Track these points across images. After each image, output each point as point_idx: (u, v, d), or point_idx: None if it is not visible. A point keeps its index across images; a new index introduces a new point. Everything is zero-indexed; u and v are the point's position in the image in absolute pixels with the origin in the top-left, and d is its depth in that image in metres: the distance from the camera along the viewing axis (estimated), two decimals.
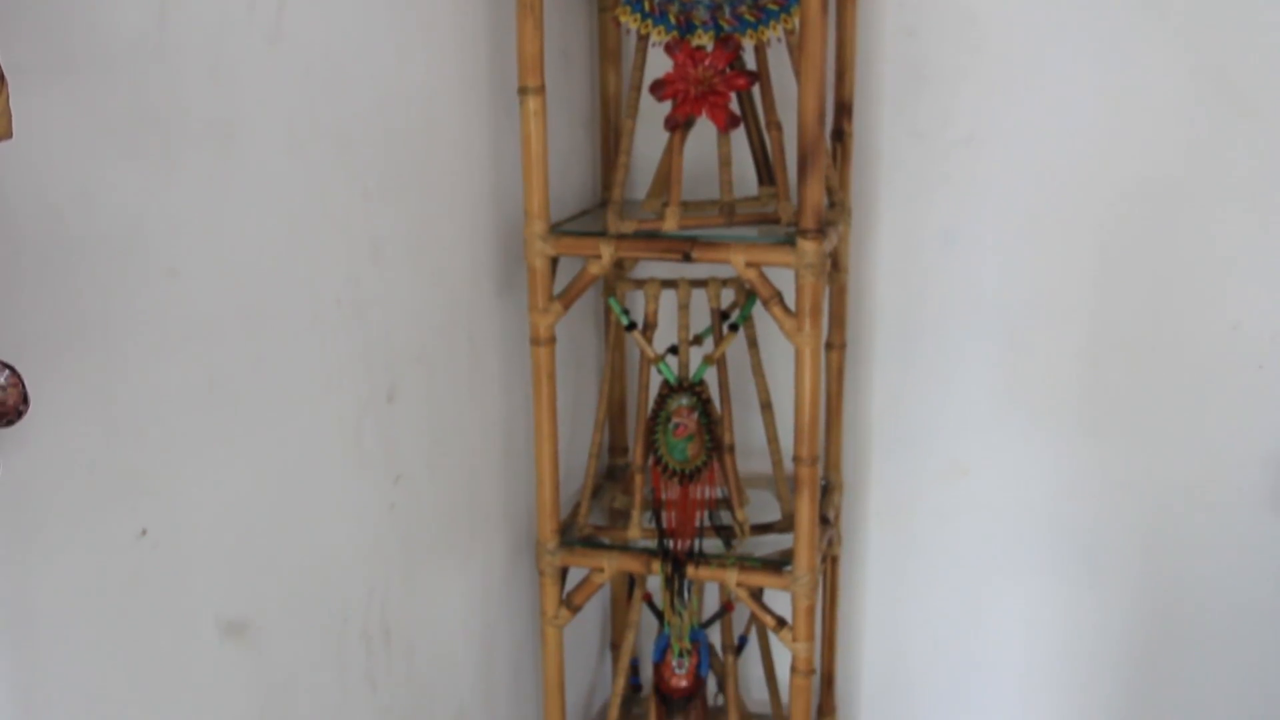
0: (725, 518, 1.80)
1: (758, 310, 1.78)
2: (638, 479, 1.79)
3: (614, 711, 1.91)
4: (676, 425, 1.73)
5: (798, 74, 1.54)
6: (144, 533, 1.06)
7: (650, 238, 1.63)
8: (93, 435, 0.99)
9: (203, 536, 1.14)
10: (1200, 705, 2.08)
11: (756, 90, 1.67)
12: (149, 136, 1.02)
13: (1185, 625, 2.05)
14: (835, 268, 1.89)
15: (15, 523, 0.92)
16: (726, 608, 1.90)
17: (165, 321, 1.06)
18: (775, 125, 1.66)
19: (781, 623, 1.73)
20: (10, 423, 0.80)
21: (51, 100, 0.91)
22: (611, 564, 1.76)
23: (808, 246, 1.55)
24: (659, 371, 1.75)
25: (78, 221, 0.95)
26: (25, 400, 0.80)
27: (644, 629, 2.14)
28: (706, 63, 1.61)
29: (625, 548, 1.78)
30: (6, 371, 0.78)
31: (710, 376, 1.77)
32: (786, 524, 1.80)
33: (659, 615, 1.83)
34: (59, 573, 0.97)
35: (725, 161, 1.65)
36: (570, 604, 1.80)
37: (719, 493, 1.78)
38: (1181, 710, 2.09)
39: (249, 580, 1.21)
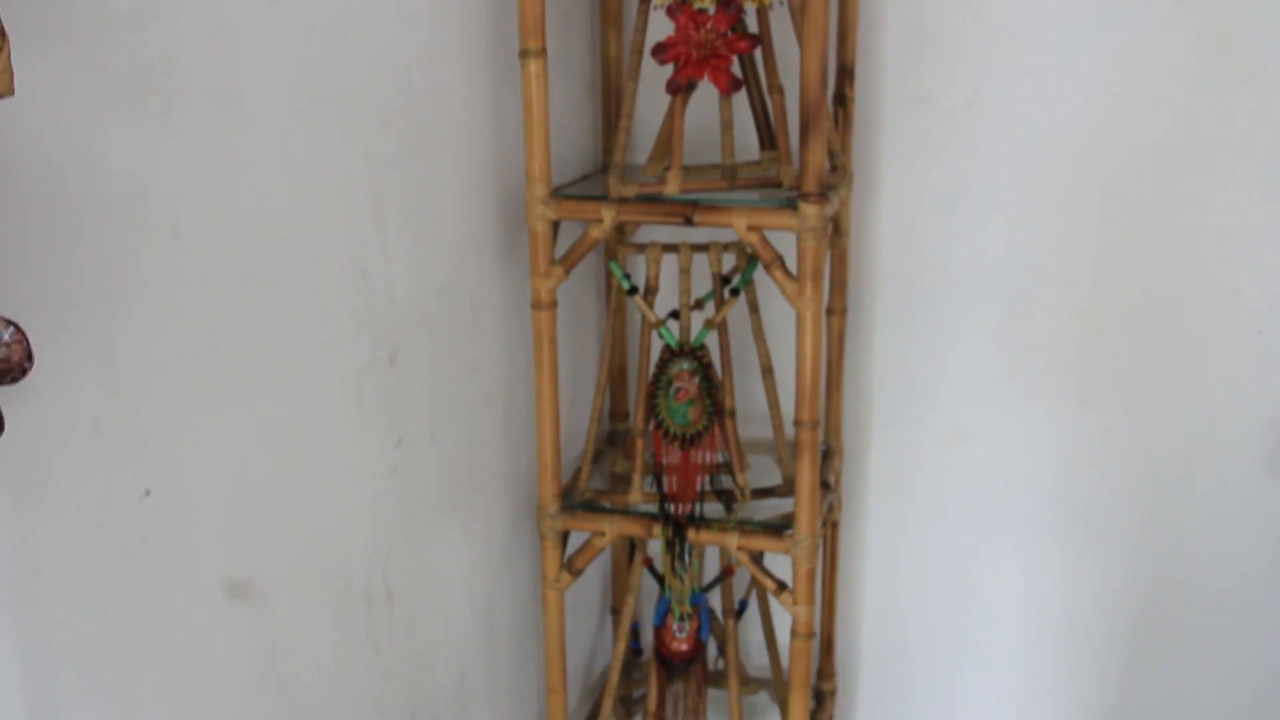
0: (726, 482, 1.80)
1: (759, 275, 1.78)
2: (639, 443, 1.79)
3: (614, 675, 1.92)
4: (678, 390, 1.74)
5: (800, 37, 1.53)
6: (147, 493, 1.06)
7: (652, 201, 1.63)
8: (96, 394, 0.99)
9: (206, 497, 1.14)
10: (1198, 670, 2.09)
11: (758, 53, 1.66)
12: (150, 96, 1.02)
13: (1183, 590, 2.06)
14: (837, 232, 1.89)
15: (20, 481, 0.92)
16: (727, 572, 1.91)
17: (167, 282, 1.06)
18: (777, 89, 1.65)
19: (782, 586, 1.74)
20: (14, 380, 0.80)
21: (53, 58, 0.91)
22: (612, 528, 1.77)
23: (809, 210, 1.54)
24: (660, 336, 1.75)
25: (80, 181, 0.95)
26: (30, 357, 0.80)
27: (645, 593, 2.15)
28: (708, 26, 1.60)
29: (626, 512, 1.78)
30: (11, 328, 0.79)
31: (711, 341, 1.77)
32: (787, 488, 1.81)
33: (660, 579, 1.83)
34: (63, 531, 0.97)
35: (727, 125, 1.64)
36: (571, 568, 1.80)
37: (720, 457, 1.79)
38: (1179, 675, 2.10)
39: (252, 541, 1.22)
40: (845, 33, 1.84)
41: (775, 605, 2.03)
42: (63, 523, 0.97)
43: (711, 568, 2.01)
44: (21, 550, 0.93)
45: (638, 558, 1.88)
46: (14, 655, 0.93)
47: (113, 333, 1.00)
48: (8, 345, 0.79)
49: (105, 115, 0.97)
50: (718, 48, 1.60)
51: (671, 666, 1.86)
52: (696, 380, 1.74)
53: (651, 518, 1.76)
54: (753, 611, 2.10)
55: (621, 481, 1.87)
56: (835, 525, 2.08)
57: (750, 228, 1.58)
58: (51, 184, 0.92)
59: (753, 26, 1.65)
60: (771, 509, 1.78)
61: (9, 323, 0.79)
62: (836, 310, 1.95)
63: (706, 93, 1.66)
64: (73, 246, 0.95)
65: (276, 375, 1.23)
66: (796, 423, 1.65)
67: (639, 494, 1.79)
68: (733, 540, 1.72)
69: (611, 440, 2.07)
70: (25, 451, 0.92)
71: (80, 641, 1.00)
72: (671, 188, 1.63)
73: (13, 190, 0.88)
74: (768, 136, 1.71)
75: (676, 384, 1.74)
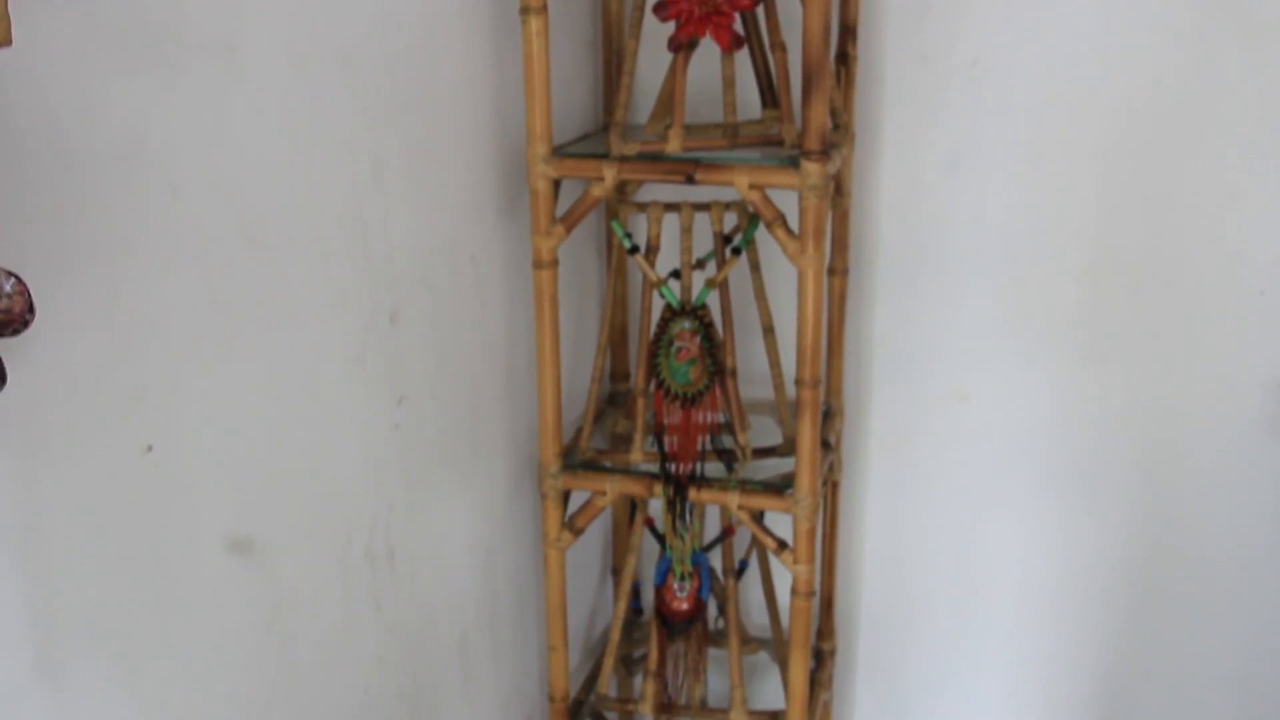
0: (727, 442, 1.81)
1: (760, 234, 1.77)
2: (640, 403, 1.79)
3: (615, 634, 1.92)
4: (679, 349, 1.74)
5: None
6: (149, 449, 1.06)
7: (653, 160, 1.63)
8: (98, 349, 0.99)
9: (207, 454, 1.14)
10: (1196, 629, 2.10)
11: (760, 10, 1.65)
12: (149, 50, 1.01)
13: (1182, 550, 2.07)
14: (838, 192, 1.89)
15: (23, 435, 0.92)
16: (727, 532, 1.91)
17: (168, 237, 1.06)
18: (779, 46, 1.65)
19: (782, 545, 1.74)
20: (16, 332, 0.80)
21: (51, 8, 0.91)
22: (613, 487, 1.77)
23: (811, 168, 1.54)
24: (661, 295, 1.75)
25: (79, 134, 0.95)
26: (31, 309, 0.80)
27: (645, 553, 2.15)
28: None
29: (627, 471, 1.79)
30: (12, 280, 0.78)
31: (712, 300, 1.77)
32: (788, 448, 1.81)
33: (660, 539, 1.84)
34: (66, 486, 0.97)
35: (729, 83, 1.64)
36: (572, 527, 1.81)
37: (721, 417, 1.79)
38: (1177, 634, 2.11)
39: (254, 498, 1.22)
40: None
41: (775, 565, 2.04)
42: (65, 476, 0.97)
43: (712, 528, 2.01)
44: (25, 504, 0.93)
45: (639, 517, 1.89)
46: (20, 609, 0.94)
47: (114, 287, 1.00)
48: (9, 297, 0.78)
49: (104, 68, 0.97)
50: (719, 4, 1.59)
51: (672, 626, 1.86)
52: (698, 340, 1.74)
53: (652, 477, 1.76)
54: (753, 571, 2.10)
55: (623, 441, 1.87)
56: (836, 485, 2.08)
57: (752, 186, 1.57)
58: (51, 136, 0.92)
59: None
60: (772, 469, 1.79)
61: (10, 274, 0.79)
62: (838, 270, 1.95)
63: (708, 50, 1.65)
64: (73, 200, 0.95)
65: (277, 333, 1.23)
66: (797, 382, 1.65)
67: (640, 453, 1.79)
68: (733, 499, 1.72)
69: (613, 400, 2.07)
70: (27, 405, 0.92)
71: (85, 596, 1.00)
72: (673, 146, 1.62)
73: (12, 142, 0.88)
74: (770, 95, 1.70)
75: (678, 343, 1.74)
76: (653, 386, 1.77)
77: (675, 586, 1.85)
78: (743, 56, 1.66)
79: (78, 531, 0.99)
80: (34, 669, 0.96)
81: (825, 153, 1.54)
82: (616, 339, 2.07)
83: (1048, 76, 1.89)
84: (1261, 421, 1.97)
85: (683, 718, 1.94)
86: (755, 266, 1.79)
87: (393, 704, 1.53)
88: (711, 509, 2.01)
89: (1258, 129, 1.84)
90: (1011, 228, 1.97)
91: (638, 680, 2.17)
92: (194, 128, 1.08)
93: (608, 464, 1.81)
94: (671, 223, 1.78)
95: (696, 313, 1.75)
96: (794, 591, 1.75)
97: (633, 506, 1.95)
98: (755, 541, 1.98)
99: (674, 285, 1.76)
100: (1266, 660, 2.08)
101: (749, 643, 2.11)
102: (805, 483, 1.68)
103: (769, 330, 1.82)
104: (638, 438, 1.79)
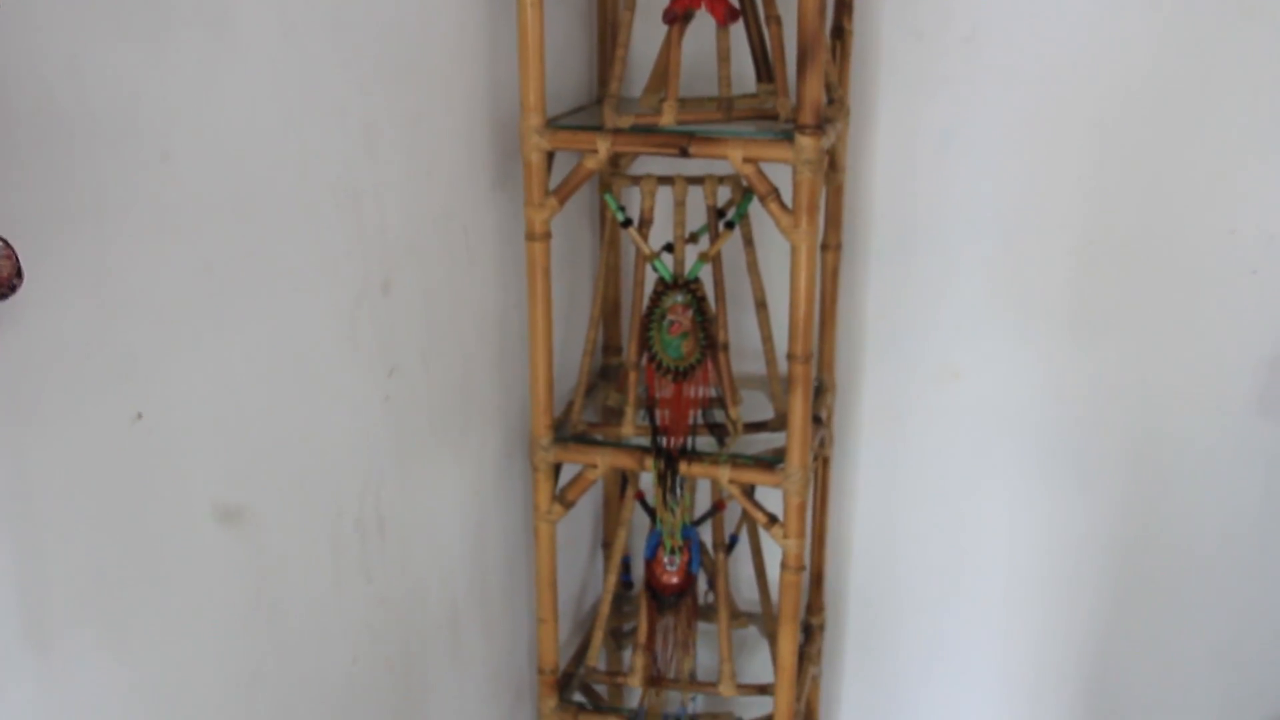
0: (718, 416, 1.81)
1: (754, 209, 1.77)
2: (631, 376, 1.79)
3: (605, 607, 1.93)
4: (671, 323, 1.73)
5: None
6: (139, 416, 1.06)
7: (647, 132, 1.62)
8: (87, 315, 0.98)
9: (197, 422, 1.14)
10: (1185, 606, 2.10)
11: None
12: (140, 15, 1.01)
13: (1172, 528, 2.07)
14: (833, 167, 1.88)
15: (11, 401, 0.92)
16: (718, 506, 1.92)
17: (159, 204, 1.05)
18: (775, 20, 1.64)
19: (773, 520, 1.74)
20: (4, 296, 0.79)
21: None
22: (604, 460, 1.77)
23: (806, 142, 1.53)
24: (654, 269, 1.74)
25: (69, 99, 0.94)
26: (19, 274, 0.79)
27: (636, 527, 2.15)
28: None
29: (618, 444, 1.78)
30: (0, 243, 0.78)
31: (705, 275, 1.77)
32: (779, 423, 1.81)
33: (651, 513, 1.84)
34: (55, 452, 0.97)
35: (724, 56, 1.63)
36: (563, 500, 1.81)
37: (712, 391, 1.79)
38: (1166, 611, 2.12)
39: (244, 467, 1.21)
40: None
41: (766, 540, 2.04)
42: (54, 443, 0.97)
43: (703, 502, 2.01)
44: (13, 470, 0.93)
45: (629, 491, 1.89)
46: (9, 577, 0.93)
47: (104, 253, 0.99)
48: None
49: (95, 33, 0.96)
50: None
51: (662, 600, 1.87)
52: (690, 314, 1.74)
53: (644, 451, 1.76)
54: (743, 546, 2.11)
55: (614, 414, 1.87)
56: (826, 461, 2.08)
57: (746, 159, 1.57)
58: (41, 101, 0.91)
59: None
60: (764, 443, 1.79)
61: None
62: (831, 246, 1.94)
63: (703, 24, 1.65)
64: (63, 165, 0.94)
65: (268, 302, 1.22)
66: (789, 356, 1.65)
67: (631, 427, 1.79)
68: (724, 473, 1.72)
69: (604, 374, 2.07)
70: (16, 370, 0.91)
71: (73, 564, 1.00)
72: (667, 119, 1.62)
73: (2, 106, 0.87)
74: (765, 68, 1.69)
75: (670, 317, 1.73)
76: (644, 360, 1.76)
77: (665, 560, 1.85)
78: (738, 30, 1.66)
79: (66, 499, 0.99)
80: (22, 637, 0.95)
81: (820, 127, 1.54)
82: (609, 312, 2.06)
83: (1043, 53, 1.89)
84: (1252, 400, 1.97)
85: (672, 691, 1.94)
86: (748, 241, 1.79)
87: (382, 674, 1.53)
88: (702, 483, 2.02)
89: (1253, 108, 1.84)
90: (1005, 204, 1.97)
91: (627, 653, 2.18)
92: (185, 94, 1.07)
93: (599, 437, 1.81)
94: (665, 196, 1.77)
95: (689, 287, 1.74)
96: (784, 566, 1.75)
97: (623, 480, 1.95)
98: (746, 516, 1.98)
99: (667, 259, 1.75)
100: (1254, 638, 2.09)
101: (738, 617, 2.11)
102: (796, 457, 1.68)
103: (761, 305, 1.82)
104: (629, 411, 1.79)
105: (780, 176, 1.61)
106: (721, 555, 1.94)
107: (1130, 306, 1.97)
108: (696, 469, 1.74)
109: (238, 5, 1.13)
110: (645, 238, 1.73)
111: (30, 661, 0.97)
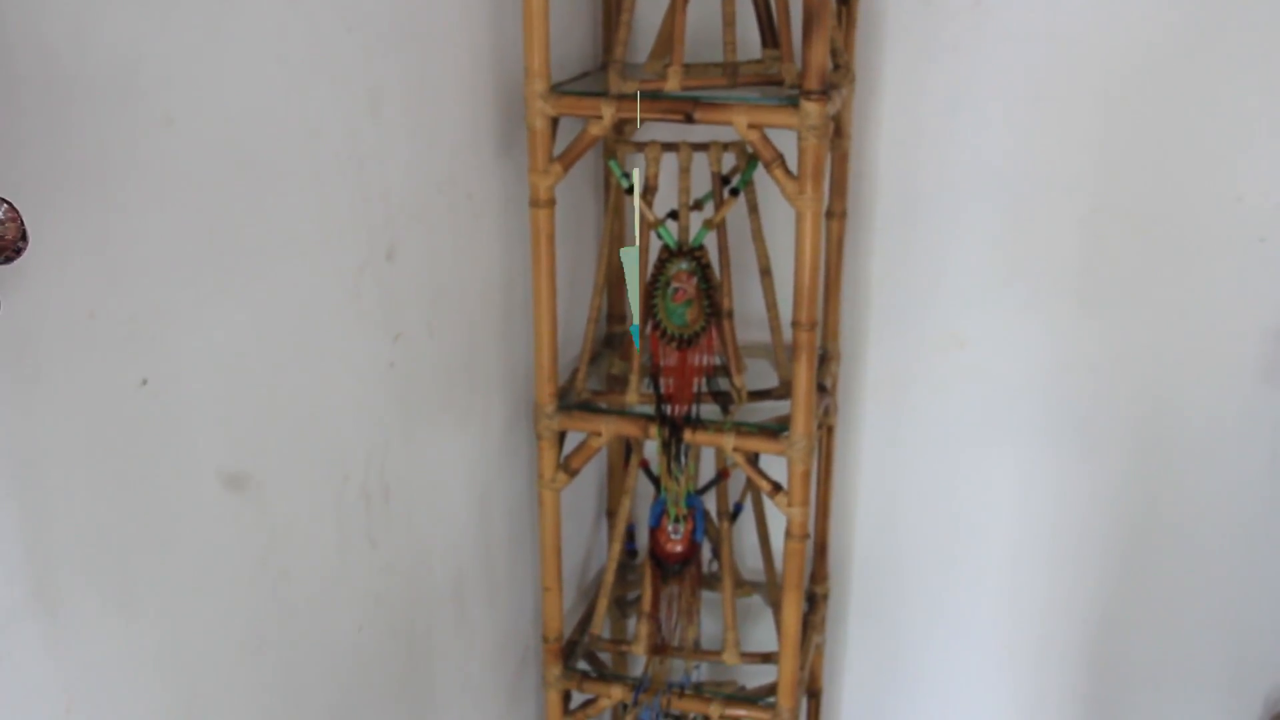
0: (723, 384, 1.80)
1: (759, 176, 1.76)
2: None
3: (610, 576, 1.93)
4: (675, 290, 1.73)
5: None
6: (145, 382, 1.05)
7: (652, 98, 1.61)
8: (92, 280, 0.98)
9: (203, 388, 1.14)
10: (1189, 573, 2.11)
11: None
12: None
13: (1177, 497, 2.07)
14: (838, 134, 1.87)
15: (17, 365, 0.91)
16: (722, 474, 1.92)
17: (163, 168, 1.05)
18: None
19: (777, 488, 1.74)
20: (8, 259, 0.79)
21: None
22: (609, 428, 1.77)
23: (811, 108, 1.53)
24: (659, 236, 1.74)
25: (73, 61, 0.93)
26: (24, 237, 0.79)
27: (640, 495, 2.16)
28: None
29: (623, 412, 1.78)
30: (4, 205, 0.77)
31: (710, 242, 1.76)
32: (784, 390, 1.81)
33: (655, 481, 1.84)
34: (61, 416, 0.97)
35: (729, 22, 1.62)
36: (567, 468, 1.81)
37: (717, 359, 1.78)
38: (1170, 578, 2.12)
39: (249, 433, 1.21)
40: None
41: (770, 508, 2.04)
42: (60, 407, 0.96)
43: (707, 471, 2.01)
44: (20, 433, 0.93)
45: (634, 460, 1.89)
46: (16, 539, 0.93)
47: (108, 218, 0.99)
48: (1, 223, 0.77)
49: None
50: None
51: (666, 568, 1.87)
52: (695, 281, 1.73)
53: (648, 419, 1.76)
54: (747, 514, 2.11)
55: (618, 382, 1.87)
56: (831, 429, 2.08)
57: (751, 125, 1.56)
58: (44, 64, 0.91)
59: None
60: (768, 411, 1.78)
61: (2, 200, 0.78)
62: (836, 213, 1.94)
63: None
64: (67, 130, 0.94)
65: (273, 267, 1.22)
66: (794, 324, 1.64)
67: (636, 395, 1.79)
68: (729, 441, 1.72)
69: (609, 342, 2.06)
70: (21, 334, 0.91)
71: (80, 527, 1.00)
72: (672, 84, 1.61)
73: (5, 69, 0.87)
74: (770, 34, 1.68)
75: (675, 284, 1.73)
76: (649, 328, 1.76)
77: (670, 529, 1.85)
78: None
79: (72, 464, 0.99)
80: (30, 599, 0.96)
81: (825, 93, 1.53)
82: (613, 279, 2.06)
83: (1050, 18, 1.88)
84: (1258, 369, 1.97)
85: (676, 659, 1.95)
86: (753, 207, 1.78)
87: (387, 641, 1.54)
88: (707, 451, 2.02)
89: (1261, 76, 1.83)
90: (1011, 172, 1.96)
91: (631, 622, 2.18)
92: (189, 58, 1.06)
93: (603, 405, 1.81)
94: (670, 163, 1.77)
95: (694, 254, 1.74)
96: (788, 534, 1.75)
97: (628, 448, 1.95)
98: (750, 484, 1.98)
99: (671, 226, 1.75)
100: (1260, 606, 2.09)
101: (742, 585, 2.12)
102: (800, 425, 1.68)
103: (766, 272, 1.81)
104: (633, 379, 1.79)
105: (785, 143, 1.60)
106: (726, 523, 1.94)
107: (1136, 274, 1.97)
108: (701, 437, 1.74)
109: None
110: (650, 204, 1.73)
111: (37, 624, 0.97)
